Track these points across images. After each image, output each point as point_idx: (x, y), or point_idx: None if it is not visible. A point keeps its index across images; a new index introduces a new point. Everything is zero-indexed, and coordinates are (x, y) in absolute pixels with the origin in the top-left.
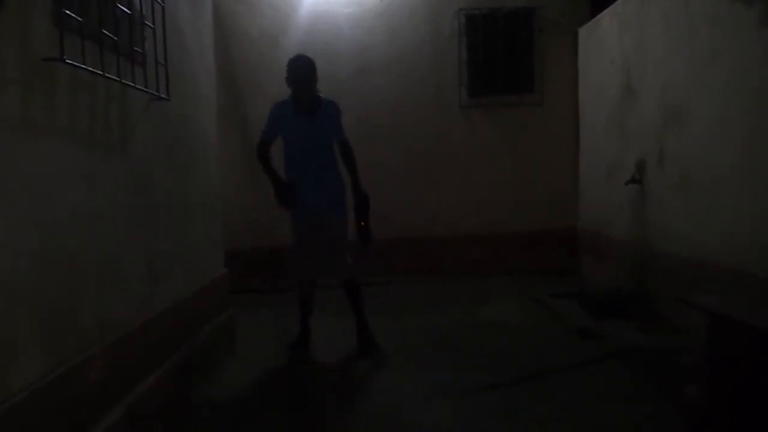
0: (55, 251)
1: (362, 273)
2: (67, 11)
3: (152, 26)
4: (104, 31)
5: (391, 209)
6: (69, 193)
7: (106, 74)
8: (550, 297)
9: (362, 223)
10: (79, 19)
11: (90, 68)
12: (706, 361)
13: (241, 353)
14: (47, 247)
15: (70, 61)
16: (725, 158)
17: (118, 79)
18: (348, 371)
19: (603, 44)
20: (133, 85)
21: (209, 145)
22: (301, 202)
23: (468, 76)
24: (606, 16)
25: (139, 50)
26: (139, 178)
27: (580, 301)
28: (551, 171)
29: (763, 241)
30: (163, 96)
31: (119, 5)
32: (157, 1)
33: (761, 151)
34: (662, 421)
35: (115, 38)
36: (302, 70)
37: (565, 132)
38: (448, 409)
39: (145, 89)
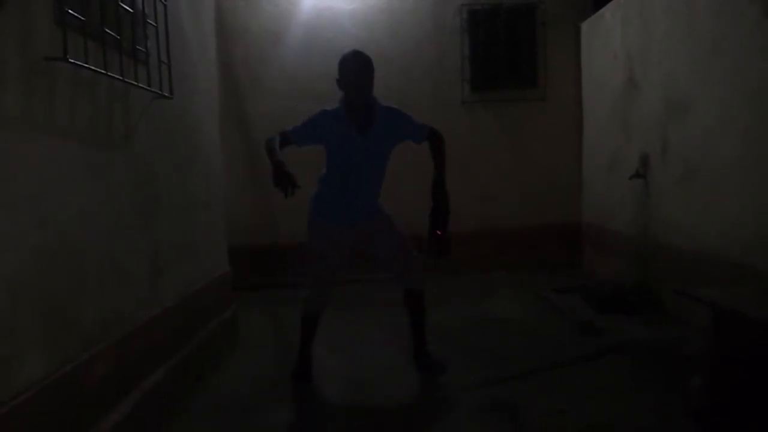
0: (58, 248)
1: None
2: (70, 10)
3: (154, 24)
4: (107, 30)
5: (392, 205)
6: (72, 191)
7: (109, 73)
8: (553, 291)
9: (438, 232)
10: (82, 18)
11: (93, 67)
12: (710, 353)
13: (244, 351)
14: (50, 245)
15: (72, 60)
16: (728, 151)
17: (121, 77)
18: (351, 367)
19: (606, 38)
20: (135, 83)
21: (211, 142)
22: (328, 214)
23: (470, 71)
24: (608, 10)
25: (142, 49)
26: (142, 175)
27: (584, 295)
28: (554, 165)
29: (765, 233)
30: (166, 94)
31: (121, 4)
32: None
33: (764, 144)
34: (666, 412)
35: (118, 37)
36: (361, 72)
37: (568, 126)
38: (452, 403)
39: (148, 88)
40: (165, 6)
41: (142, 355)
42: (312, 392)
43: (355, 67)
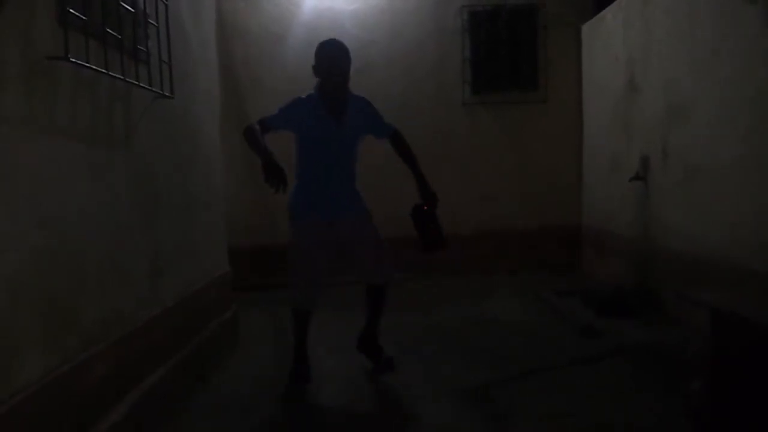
0: (58, 248)
1: (396, 275)
2: (71, 10)
3: (155, 24)
4: (108, 30)
5: (392, 206)
6: (73, 191)
7: (110, 72)
8: (554, 294)
9: (430, 226)
10: (83, 17)
11: (94, 66)
12: (709, 357)
13: (244, 351)
14: (51, 245)
15: (74, 60)
16: (728, 154)
17: (122, 77)
18: (350, 367)
19: (607, 40)
20: (136, 83)
21: (212, 142)
22: (309, 209)
23: (471, 72)
24: (610, 12)
25: (143, 48)
26: (143, 175)
27: (584, 298)
28: (554, 167)
29: (765, 237)
30: (167, 94)
31: (122, 3)
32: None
33: (764, 147)
34: (666, 416)
35: (119, 36)
36: (337, 58)
37: (568, 128)
38: (452, 404)
39: (149, 87)
40: (166, 6)
41: (142, 355)
42: (311, 393)
43: (332, 54)
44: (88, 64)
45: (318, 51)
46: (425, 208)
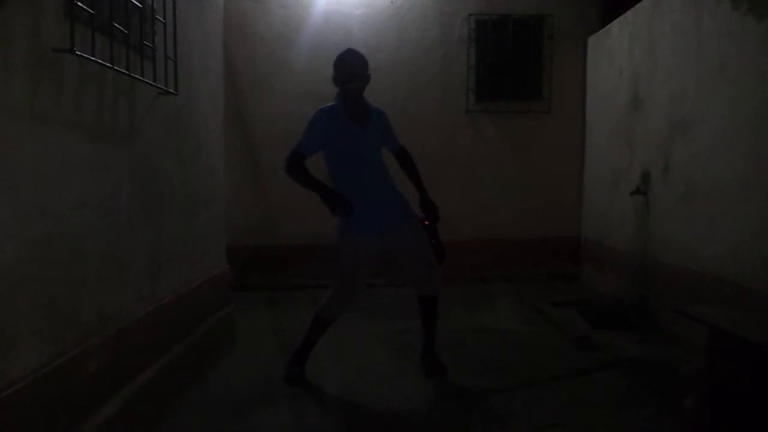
0: (58, 240)
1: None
2: (79, 3)
3: (162, 20)
4: (115, 24)
5: None
6: (74, 184)
7: (115, 67)
8: (551, 305)
9: (432, 240)
10: (91, 11)
11: (99, 60)
12: (705, 373)
13: (240, 350)
14: (51, 236)
15: (80, 53)
16: (730, 171)
17: (127, 72)
18: (348, 370)
19: (612, 53)
20: (141, 78)
21: (215, 140)
22: (359, 224)
23: (476, 80)
24: (616, 26)
25: (149, 44)
26: (145, 170)
27: (581, 310)
28: (556, 178)
29: (765, 254)
30: (171, 90)
31: None
32: None
33: (765, 165)
34: (660, 431)
35: (126, 31)
36: (357, 67)
37: (571, 140)
38: (446, 413)
39: (154, 83)
40: (174, 2)
41: (138, 350)
42: (306, 393)
43: (351, 61)
44: (93, 58)
45: (337, 61)
46: (426, 222)
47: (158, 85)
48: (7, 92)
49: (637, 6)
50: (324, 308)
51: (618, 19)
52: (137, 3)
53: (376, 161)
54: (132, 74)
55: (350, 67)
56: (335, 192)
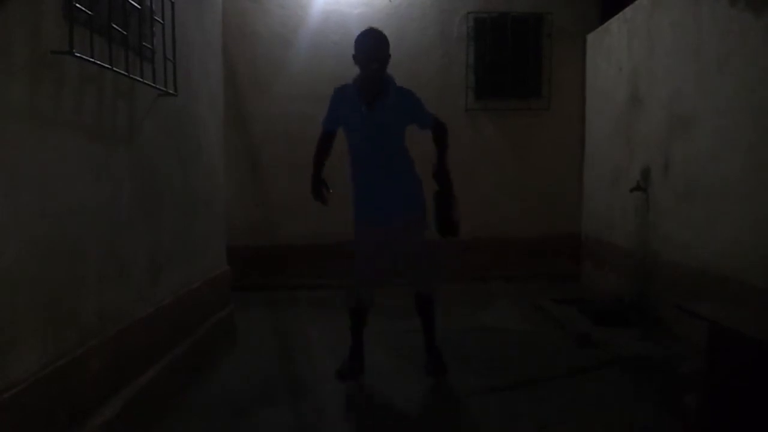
0: (59, 241)
1: (441, 282)
2: (77, 5)
3: (161, 21)
4: (114, 26)
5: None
6: (75, 184)
7: (115, 68)
8: (552, 303)
9: (443, 215)
10: (89, 12)
11: (98, 62)
12: (706, 371)
13: (240, 350)
14: (51, 237)
15: (78, 54)
16: (729, 168)
17: (126, 73)
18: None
19: (611, 51)
20: (141, 80)
21: (215, 141)
22: (363, 210)
23: (475, 79)
24: (615, 23)
25: (148, 45)
26: (145, 171)
27: (581, 308)
28: (556, 177)
29: (764, 250)
30: (171, 92)
31: (129, 0)
32: None
33: (765, 163)
34: (661, 429)
35: (125, 33)
36: (374, 45)
37: (570, 138)
38: (447, 412)
39: (153, 84)
40: (172, 3)
41: (139, 351)
42: (306, 393)
43: (368, 41)
44: (92, 60)
45: (356, 40)
46: (443, 214)
47: (157, 87)
48: (7, 93)
49: (636, 3)
50: (348, 299)
51: (617, 16)
52: (136, 4)
53: (385, 144)
54: (131, 75)
55: (366, 49)
56: (316, 181)
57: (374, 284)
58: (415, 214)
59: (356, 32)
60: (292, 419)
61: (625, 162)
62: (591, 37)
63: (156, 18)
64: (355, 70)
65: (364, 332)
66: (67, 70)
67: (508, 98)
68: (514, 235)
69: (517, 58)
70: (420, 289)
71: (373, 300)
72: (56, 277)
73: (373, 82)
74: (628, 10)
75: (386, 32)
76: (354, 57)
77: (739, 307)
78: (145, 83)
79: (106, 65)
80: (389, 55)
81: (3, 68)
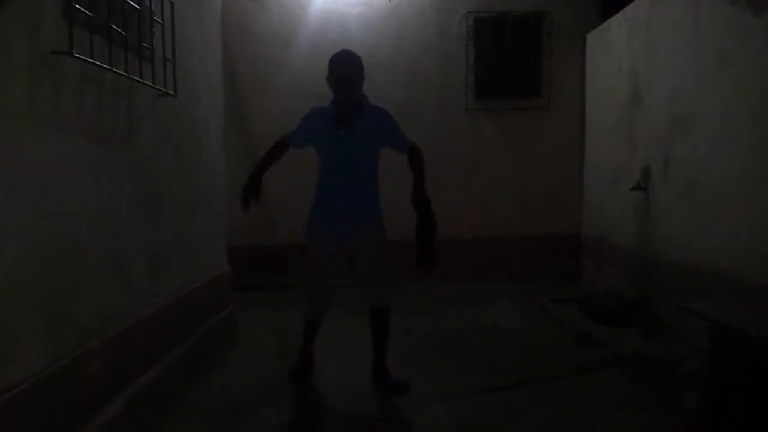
0: (59, 242)
1: (396, 297)
2: (77, 5)
3: (161, 22)
4: (113, 26)
5: (392, 211)
6: (75, 185)
7: (114, 69)
8: (552, 302)
9: (423, 245)
10: (89, 13)
11: (98, 63)
12: (707, 369)
13: (241, 350)
14: (51, 237)
15: (78, 55)
16: (730, 167)
17: (126, 74)
18: (349, 371)
19: (611, 50)
20: (140, 80)
21: (215, 141)
22: (321, 220)
23: (475, 78)
24: (615, 22)
25: (148, 46)
26: (145, 171)
27: (581, 307)
28: (556, 176)
29: (764, 250)
30: (170, 92)
31: (128, 0)
32: None
33: (765, 161)
34: (661, 428)
35: (124, 33)
36: (347, 67)
37: (571, 137)
38: (447, 412)
39: (153, 85)
40: (172, 4)
41: (139, 351)
42: (306, 393)
43: (342, 64)
44: (92, 60)
45: (330, 62)
46: (423, 245)
47: (157, 87)
48: (7, 93)
49: (636, 2)
50: (305, 310)
51: (617, 15)
52: (135, 4)
53: (359, 165)
54: (131, 76)
55: (343, 73)
56: (250, 185)
57: (325, 297)
58: (376, 230)
59: (356, 31)
60: (292, 419)
61: (625, 161)
62: (591, 37)
63: (155, 18)
64: None
65: (316, 341)
66: (66, 71)
67: (507, 98)
68: (514, 234)
69: (516, 58)
70: (374, 302)
71: (324, 315)
72: (56, 277)
73: (348, 108)
74: (628, 9)
75: (386, 32)
76: (328, 79)
77: (740, 307)
78: (145, 83)
79: (106, 66)
80: (363, 78)
81: (3, 68)
